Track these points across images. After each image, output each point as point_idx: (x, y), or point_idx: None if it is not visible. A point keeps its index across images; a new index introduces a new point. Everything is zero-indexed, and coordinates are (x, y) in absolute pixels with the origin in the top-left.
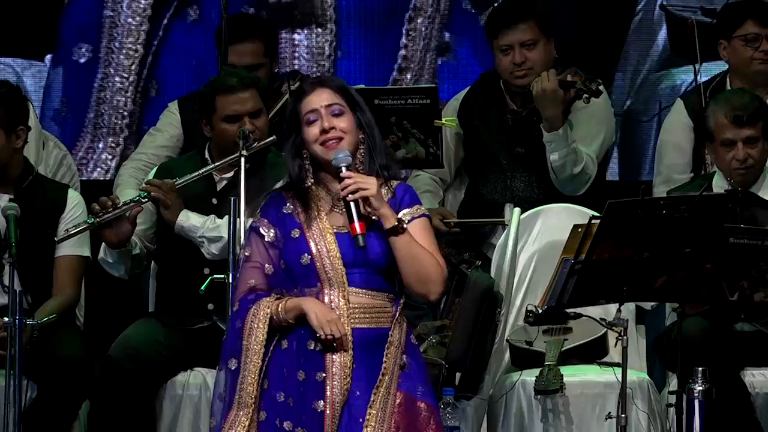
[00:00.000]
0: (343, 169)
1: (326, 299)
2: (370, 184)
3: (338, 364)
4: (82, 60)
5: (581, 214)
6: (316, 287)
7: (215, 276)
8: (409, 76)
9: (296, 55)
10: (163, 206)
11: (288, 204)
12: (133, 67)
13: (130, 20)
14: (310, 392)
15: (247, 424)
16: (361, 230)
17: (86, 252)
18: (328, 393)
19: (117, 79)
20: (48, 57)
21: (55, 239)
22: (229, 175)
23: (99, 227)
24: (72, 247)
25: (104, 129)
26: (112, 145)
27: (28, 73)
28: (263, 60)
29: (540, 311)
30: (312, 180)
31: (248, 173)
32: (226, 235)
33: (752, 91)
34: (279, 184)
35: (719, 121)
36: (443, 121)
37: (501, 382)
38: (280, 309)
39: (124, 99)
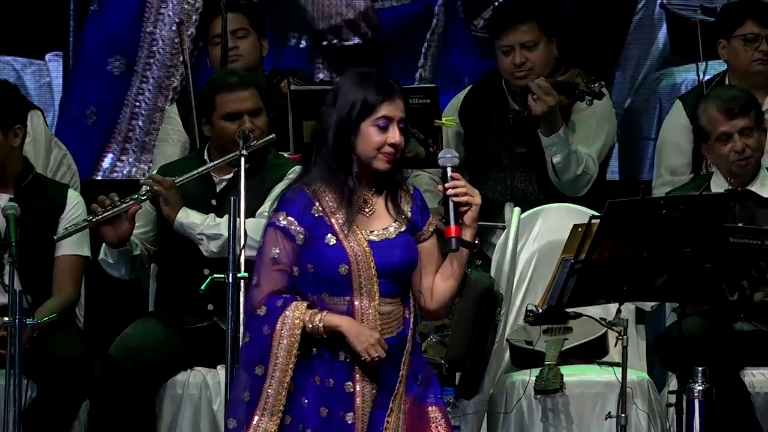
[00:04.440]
0: (449, 169)
1: (357, 310)
2: (477, 193)
3: (368, 377)
4: (117, 72)
5: (581, 213)
6: (347, 297)
7: (215, 276)
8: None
9: None
10: (163, 203)
11: (317, 204)
12: (173, 85)
13: (173, 36)
14: (337, 402)
15: (274, 431)
16: (456, 233)
17: (86, 252)
18: (358, 402)
19: (162, 97)
20: (49, 56)
21: (54, 237)
22: (229, 176)
23: (98, 225)
24: (72, 247)
25: (135, 143)
26: (145, 160)
27: (28, 71)
28: (250, 29)
29: (540, 311)
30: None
31: (248, 174)
32: (225, 233)
33: (745, 89)
34: (291, 176)
35: (712, 116)
36: (443, 121)
37: (501, 382)
38: (316, 324)
39: (161, 116)
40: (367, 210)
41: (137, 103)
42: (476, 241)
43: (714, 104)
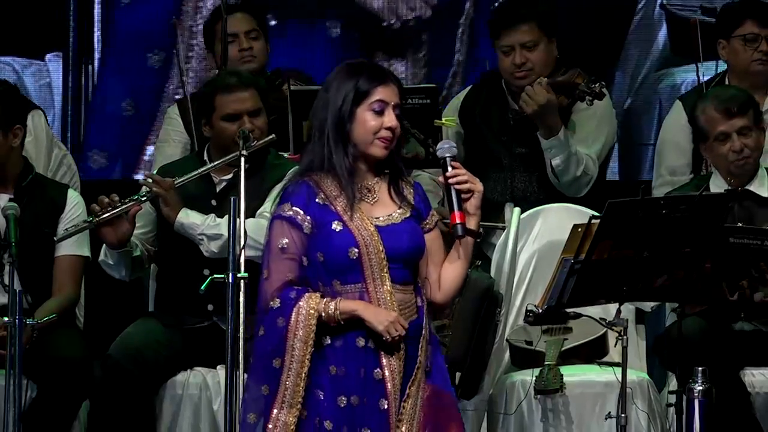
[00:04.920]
0: (449, 159)
1: (372, 296)
2: (478, 180)
3: (395, 361)
4: (157, 66)
5: (581, 214)
6: (359, 283)
7: (215, 276)
8: (459, 79)
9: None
10: (163, 203)
11: (319, 193)
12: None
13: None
14: (370, 390)
15: (294, 423)
16: (461, 220)
17: (86, 252)
18: (390, 388)
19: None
20: (49, 56)
21: (54, 239)
22: (229, 176)
23: (98, 226)
24: (72, 247)
25: None
26: None
27: (28, 72)
28: (260, 30)
29: (540, 311)
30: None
31: (248, 174)
32: (226, 233)
33: (743, 88)
34: (289, 176)
35: (710, 116)
36: (443, 121)
37: (501, 382)
38: (331, 312)
39: None
40: (370, 197)
41: (177, 96)
42: (480, 230)
43: (712, 104)
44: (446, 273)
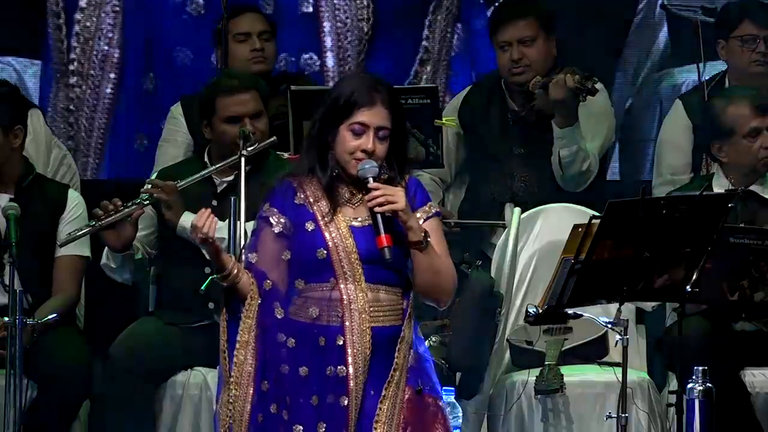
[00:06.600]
0: (370, 180)
1: (343, 294)
2: (398, 196)
3: (360, 359)
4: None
5: (581, 214)
6: (329, 282)
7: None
8: (429, 68)
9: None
10: (165, 207)
11: (299, 194)
12: None
13: None
14: (331, 387)
15: (227, 399)
16: (388, 243)
17: (86, 252)
18: (352, 386)
19: None
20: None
21: (57, 243)
22: (230, 178)
23: (101, 230)
24: (72, 247)
25: None
26: None
27: (29, 72)
28: (269, 27)
29: (540, 311)
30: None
31: (248, 176)
32: (227, 236)
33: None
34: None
35: (741, 113)
36: (443, 121)
37: (501, 382)
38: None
39: None
40: (354, 201)
41: None
42: (423, 236)
43: (743, 102)
44: (414, 276)
